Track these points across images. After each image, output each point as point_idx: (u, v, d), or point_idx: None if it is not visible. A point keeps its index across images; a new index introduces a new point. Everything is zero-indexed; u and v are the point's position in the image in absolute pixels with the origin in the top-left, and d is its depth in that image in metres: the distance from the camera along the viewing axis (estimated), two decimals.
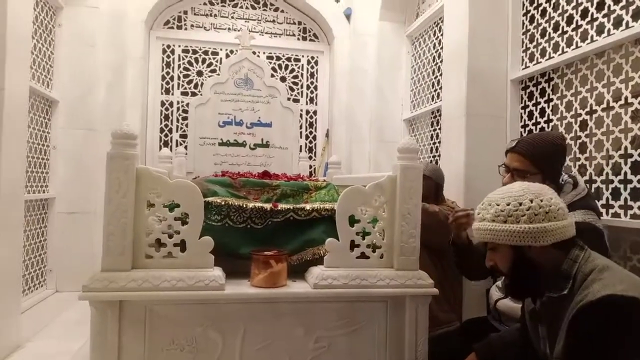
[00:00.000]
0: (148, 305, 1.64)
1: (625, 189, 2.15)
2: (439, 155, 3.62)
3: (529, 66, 2.80)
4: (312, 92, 5.12)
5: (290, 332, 1.75)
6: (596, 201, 2.02)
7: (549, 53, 2.65)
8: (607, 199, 2.25)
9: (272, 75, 3.94)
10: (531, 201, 1.23)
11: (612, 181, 2.23)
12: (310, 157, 4.88)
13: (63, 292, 3.92)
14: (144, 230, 1.67)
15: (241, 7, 4.97)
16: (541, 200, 1.23)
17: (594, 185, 2.33)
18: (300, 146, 4.66)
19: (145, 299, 1.62)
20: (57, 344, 2.84)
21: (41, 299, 3.69)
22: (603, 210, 2.26)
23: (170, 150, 4.47)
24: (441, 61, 3.58)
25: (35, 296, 3.66)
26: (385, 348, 1.82)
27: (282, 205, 1.97)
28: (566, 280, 1.20)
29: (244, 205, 1.90)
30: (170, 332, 1.66)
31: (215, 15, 4.91)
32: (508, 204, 1.25)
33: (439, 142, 3.70)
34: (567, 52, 2.51)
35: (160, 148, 4.57)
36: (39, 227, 3.74)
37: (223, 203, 1.87)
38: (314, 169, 4.93)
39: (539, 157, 1.83)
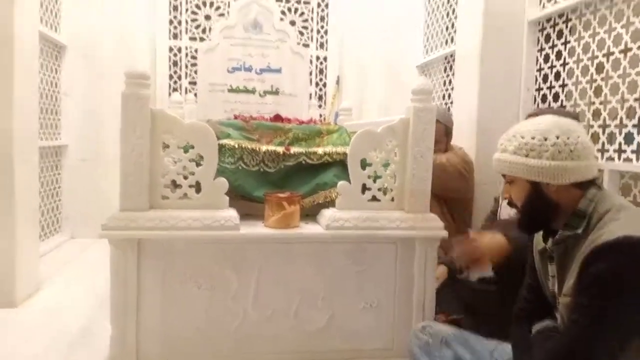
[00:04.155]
0: (165, 244, 1.69)
1: (639, 133, 2.13)
2: (452, 102, 3.57)
3: (547, 6, 2.72)
4: (322, 37, 5.01)
5: (303, 271, 1.81)
6: None
7: None
8: (620, 143, 2.23)
9: (282, 19, 3.85)
10: (557, 137, 1.18)
11: (625, 125, 2.21)
12: (320, 106, 4.83)
13: (78, 238, 4.02)
14: (160, 171, 1.70)
15: None
16: (568, 138, 1.18)
17: (607, 130, 2.31)
18: (310, 93, 4.61)
19: (163, 238, 1.67)
20: (76, 285, 2.94)
21: (57, 245, 3.78)
22: (615, 155, 2.25)
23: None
24: (456, 3, 3.48)
25: (52, 242, 3.76)
26: (394, 288, 1.88)
27: (294, 149, 1.98)
28: (581, 220, 1.18)
29: (257, 149, 1.91)
30: (187, 271, 1.72)
31: None
32: (533, 138, 1.20)
33: (452, 89, 3.64)
34: None
35: (170, 95, 4.55)
36: (53, 174, 3.80)
37: (236, 146, 1.89)
38: (324, 117, 4.89)
39: None
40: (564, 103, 2.60)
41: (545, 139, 1.19)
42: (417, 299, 1.86)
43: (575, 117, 1.94)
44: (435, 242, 1.86)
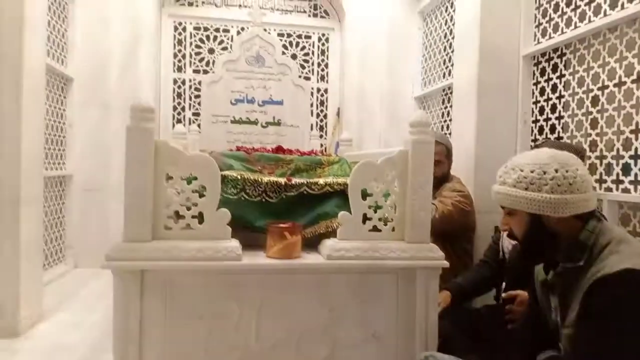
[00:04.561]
0: (168, 275, 1.70)
1: (635, 165, 2.16)
2: (450, 133, 3.63)
3: (541, 42, 2.79)
4: (322, 70, 5.12)
5: (305, 302, 1.80)
6: None
7: (562, 28, 2.64)
8: (617, 174, 2.27)
9: (283, 53, 3.94)
10: (556, 171, 1.20)
11: (622, 157, 2.24)
12: (321, 136, 4.90)
13: (82, 268, 4.02)
14: (163, 202, 1.71)
15: None
16: (566, 171, 1.20)
17: (604, 161, 2.35)
18: (311, 124, 4.68)
19: (166, 268, 1.68)
20: (79, 315, 2.94)
21: (61, 274, 3.79)
22: (613, 186, 2.28)
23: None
24: (453, 38, 3.57)
25: (55, 271, 3.76)
26: (396, 319, 1.87)
27: (296, 180, 2.01)
28: (582, 252, 1.19)
29: (259, 179, 1.94)
30: (189, 301, 1.72)
31: None
32: (532, 171, 1.22)
33: (450, 120, 3.70)
34: (579, 26, 2.50)
35: (174, 126, 4.62)
36: (57, 204, 3.83)
37: (239, 177, 1.92)
38: (325, 147, 4.95)
39: None
40: (561, 135, 2.65)
41: (544, 173, 1.20)
42: (419, 329, 1.85)
43: (581, 151, 1.97)
44: (436, 271, 1.86)
